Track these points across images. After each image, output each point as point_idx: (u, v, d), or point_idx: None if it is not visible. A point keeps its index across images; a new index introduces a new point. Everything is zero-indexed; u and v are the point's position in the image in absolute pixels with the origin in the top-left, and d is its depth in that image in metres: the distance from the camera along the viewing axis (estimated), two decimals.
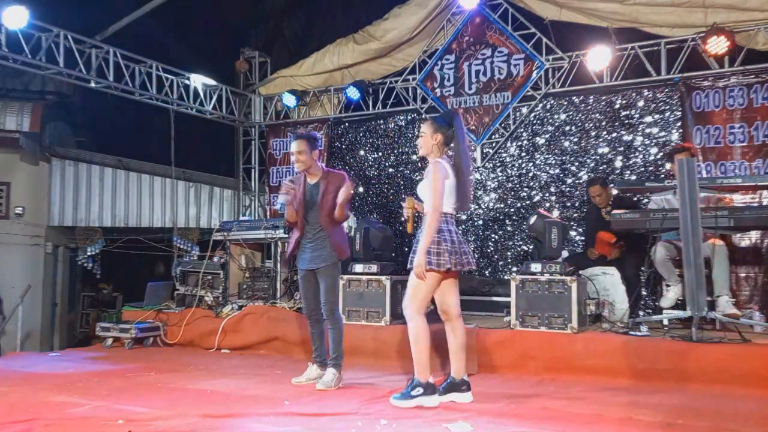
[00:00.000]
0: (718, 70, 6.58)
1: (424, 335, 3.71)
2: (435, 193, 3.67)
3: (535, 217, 5.38)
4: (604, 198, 6.21)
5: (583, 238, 6.84)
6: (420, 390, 3.67)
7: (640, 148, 6.93)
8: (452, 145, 3.82)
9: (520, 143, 7.54)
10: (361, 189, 8.42)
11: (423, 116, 7.99)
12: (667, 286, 5.34)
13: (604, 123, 7.12)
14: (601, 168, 7.03)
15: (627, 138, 6.99)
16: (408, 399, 3.64)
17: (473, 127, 7.66)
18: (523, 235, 7.32)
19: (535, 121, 7.48)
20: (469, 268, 3.82)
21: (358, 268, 5.76)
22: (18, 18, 6.30)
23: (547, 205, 7.26)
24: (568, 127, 7.30)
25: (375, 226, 6.06)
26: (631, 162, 6.95)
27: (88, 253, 10.10)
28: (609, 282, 5.65)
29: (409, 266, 3.77)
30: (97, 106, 10.10)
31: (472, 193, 7.63)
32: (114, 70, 7.37)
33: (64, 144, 10.43)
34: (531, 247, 5.75)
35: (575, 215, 7.13)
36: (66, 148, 10.32)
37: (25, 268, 9.60)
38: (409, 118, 8.14)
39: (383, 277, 5.57)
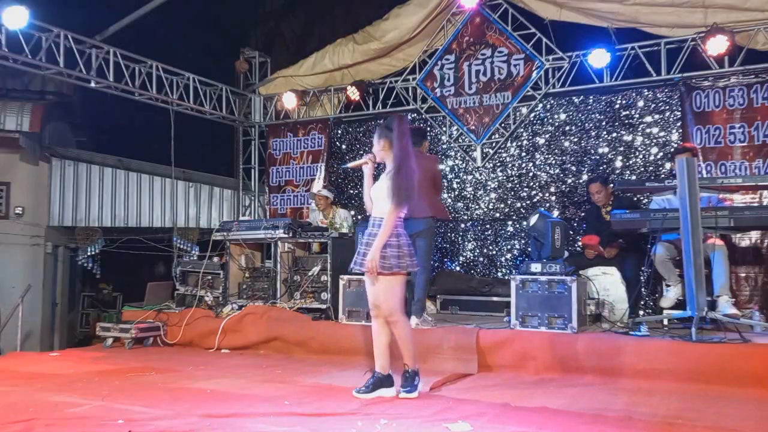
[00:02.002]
0: (718, 70, 6.58)
1: (411, 331, 3.99)
2: (391, 200, 3.78)
3: (537, 216, 5.37)
4: (603, 196, 6.20)
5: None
6: (418, 378, 3.92)
7: (640, 148, 6.93)
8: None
9: (520, 143, 7.55)
10: (361, 189, 8.41)
11: (423, 116, 8.02)
12: (667, 286, 5.34)
13: (604, 123, 7.12)
14: (601, 168, 7.04)
15: (627, 138, 6.99)
16: (415, 389, 3.86)
17: (473, 127, 7.67)
18: (523, 235, 7.32)
19: (535, 121, 7.48)
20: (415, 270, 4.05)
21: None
22: (18, 18, 6.30)
23: (547, 205, 7.26)
24: (568, 127, 7.30)
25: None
26: (631, 162, 6.95)
27: (88, 253, 10.10)
28: (609, 282, 5.66)
29: (361, 268, 3.88)
30: (97, 106, 10.09)
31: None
32: (114, 70, 7.37)
33: (64, 144, 10.43)
34: (530, 247, 5.76)
35: (575, 215, 7.14)
36: (66, 148, 10.33)
37: (25, 268, 9.61)
38: (409, 118, 8.14)
39: None
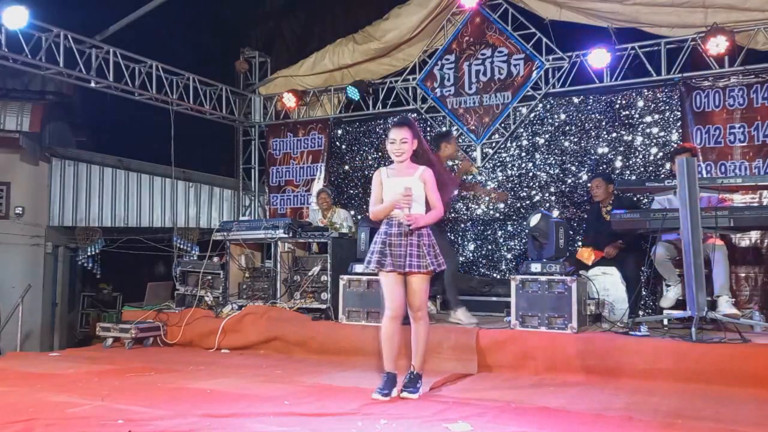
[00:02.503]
0: (718, 70, 6.59)
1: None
2: (438, 196, 3.86)
3: (539, 217, 5.35)
4: (602, 191, 6.16)
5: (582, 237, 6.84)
6: (422, 382, 3.91)
7: (640, 148, 6.93)
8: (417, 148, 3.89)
9: (520, 143, 7.55)
10: (361, 189, 8.42)
11: (423, 116, 8.00)
12: (667, 286, 5.34)
13: (604, 123, 7.12)
14: (601, 168, 7.04)
15: (627, 138, 6.99)
16: (417, 392, 3.86)
17: (473, 127, 7.67)
18: (523, 235, 7.32)
19: (535, 121, 7.48)
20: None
21: (359, 268, 5.76)
22: (18, 18, 6.30)
23: (547, 205, 7.26)
24: (568, 127, 7.30)
25: (377, 226, 6.04)
26: (631, 162, 6.95)
27: (88, 253, 10.10)
28: (609, 282, 5.65)
29: (416, 270, 3.77)
30: (97, 106, 10.10)
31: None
32: (114, 70, 7.37)
33: (64, 144, 10.44)
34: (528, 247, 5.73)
35: (575, 215, 7.14)
36: (66, 148, 10.33)
37: (25, 268, 9.61)
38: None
39: None
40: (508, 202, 7.51)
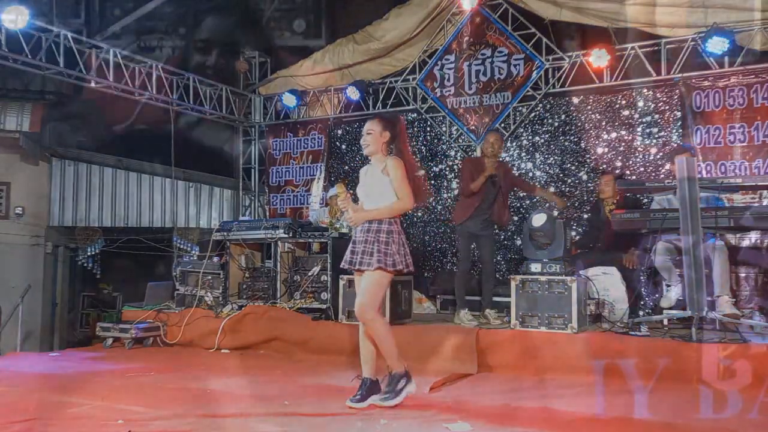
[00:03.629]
0: (718, 70, 6.58)
1: (389, 330, 3.69)
2: (407, 188, 3.69)
3: (544, 217, 5.31)
4: (610, 189, 6.14)
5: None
6: (404, 381, 3.63)
7: (640, 148, 6.93)
8: (393, 145, 3.82)
9: (520, 143, 7.55)
10: None
11: (422, 116, 8.01)
12: (667, 286, 5.33)
13: (604, 123, 7.12)
14: (601, 168, 7.03)
15: (627, 138, 6.99)
16: (396, 395, 3.59)
17: (473, 127, 7.67)
18: (522, 235, 7.31)
19: (535, 121, 7.48)
20: (412, 270, 3.83)
21: None
22: (18, 18, 6.30)
23: (547, 205, 7.25)
24: (568, 127, 7.30)
25: None
26: (631, 162, 6.95)
27: (88, 253, 10.11)
28: (609, 282, 5.64)
29: (356, 267, 3.67)
30: (97, 106, 10.10)
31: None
32: (114, 70, 7.37)
33: (64, 144, 10.44)
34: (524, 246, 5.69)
35: (575, 215, 7.13)
36: (66, 148, 10.33)
37: (25, 268, 9.62)
38: (410, 118, 8.14)
39: None
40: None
